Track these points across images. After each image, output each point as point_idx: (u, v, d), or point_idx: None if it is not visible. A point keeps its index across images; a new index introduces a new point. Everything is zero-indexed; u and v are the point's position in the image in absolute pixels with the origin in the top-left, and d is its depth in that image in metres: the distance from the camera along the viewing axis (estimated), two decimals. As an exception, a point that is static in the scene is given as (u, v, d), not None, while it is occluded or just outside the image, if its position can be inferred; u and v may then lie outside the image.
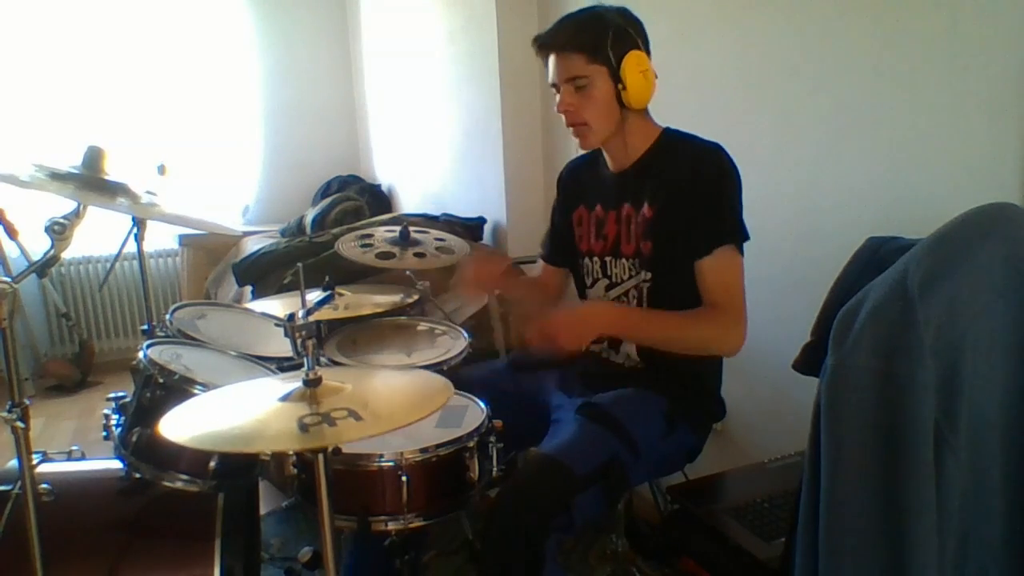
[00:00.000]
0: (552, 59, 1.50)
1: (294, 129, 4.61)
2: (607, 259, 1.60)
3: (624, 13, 1.50)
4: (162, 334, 1.67)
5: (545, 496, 1.27)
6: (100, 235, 3.59)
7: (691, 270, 1.46)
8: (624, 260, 1.57)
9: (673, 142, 1.54)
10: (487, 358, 1.94)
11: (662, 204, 1.49)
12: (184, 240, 4.05)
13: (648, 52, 1.50)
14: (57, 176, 1.44)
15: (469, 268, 1.72)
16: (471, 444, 1.34)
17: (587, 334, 1.40)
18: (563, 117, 1.51)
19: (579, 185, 1.70)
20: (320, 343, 1.73)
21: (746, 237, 1.46)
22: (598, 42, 1.44)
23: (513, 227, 2.90)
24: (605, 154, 1.62)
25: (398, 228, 2.11)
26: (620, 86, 1.46)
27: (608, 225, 1.59)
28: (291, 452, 1.34)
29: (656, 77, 1.51)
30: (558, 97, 1.51)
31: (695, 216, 1.44)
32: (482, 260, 1.73)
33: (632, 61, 1.45)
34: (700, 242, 1.44)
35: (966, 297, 0.91)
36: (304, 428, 0.98)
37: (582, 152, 1.71)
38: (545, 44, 1.50)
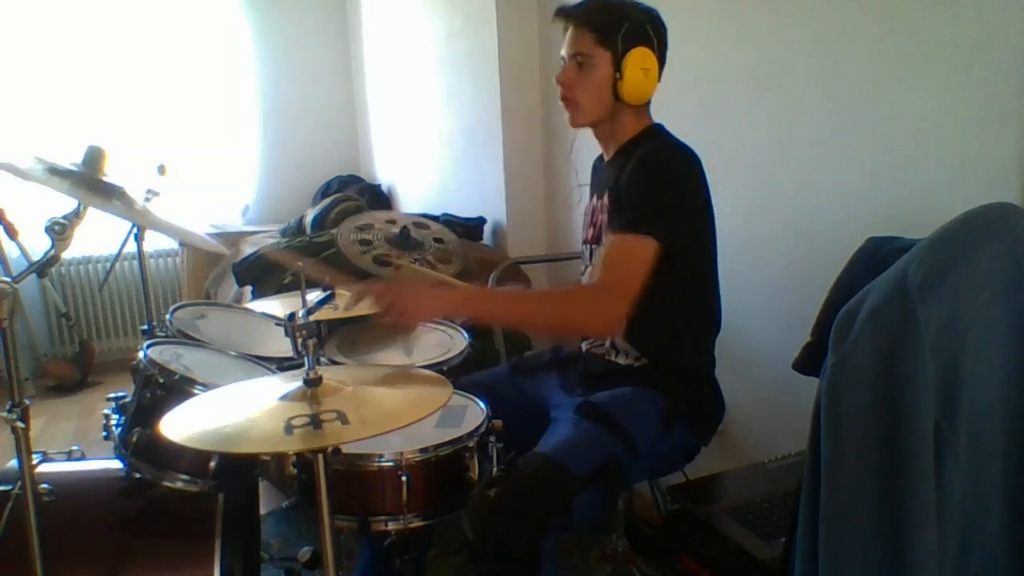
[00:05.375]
0: (569, 31, 1.52)
1: (294, 129, 4.61)
2: (592, 247, 1.63)
3: (651, 12, 1.51)
4: (162, 334, 1.67)
5: (544, 496, 1.27)
6: (100, 235, 3.59)
7: None
8: (598, 247, 1.60)
9: (647, 136, 1.55)
10: (487, 359, 1.94)
11: (614, 193, 1.51)
12: (184, 240, 4.04)
13: (661, 55, 1.51)
14: (56, 171, 1.44)
15: None
16: (471, 444, 1.34)
17: (428, 312, 1.38)
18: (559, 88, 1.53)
19: (593, 175, 1.73)
20: (320, 343, 1.73)
21: (661, 238, 1.39)
22: (611, 27, 1.46)
23: (513, 227, 2.90)
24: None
25: (398, 224, 2.11)
26: (617, 76, 1.47)
27: (596, 214, 1.63)
28: (291, 452, 1.34)
29: (659, 80, 1.51)
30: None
31: (618, 201, 1.47)
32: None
33: (637, 56, 1.46)
34: (613, 219, 1.47)
35: (966, 297, 0.91)
36: (289, 430, 0.98)
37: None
38: (564, 13, 1.52)
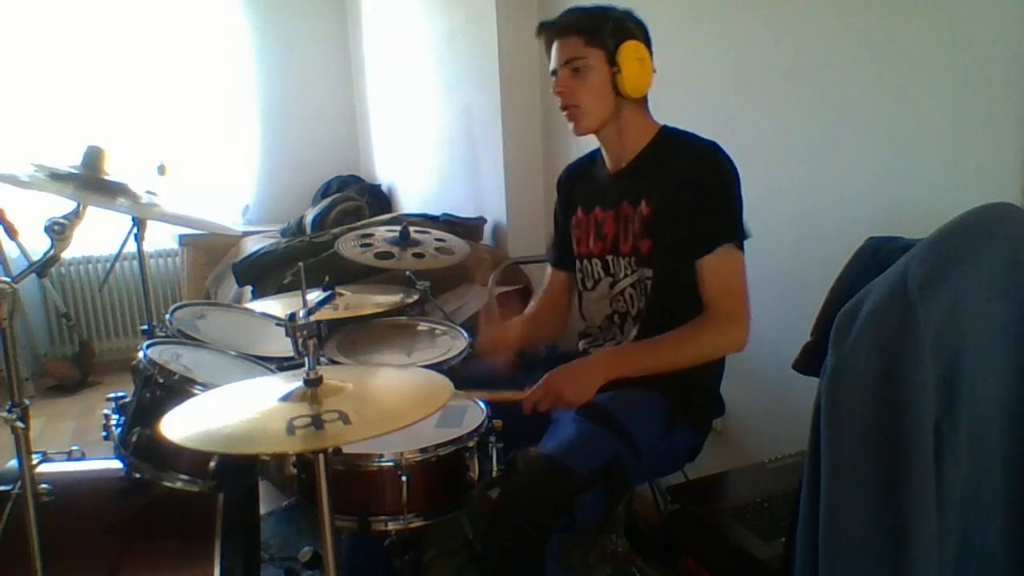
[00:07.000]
0: (554, 45, 1.53)
1: (294, 129, 4.61)
2: (608, 258, 1.60)
3: (629, 12, 1.53)
4: (162, 334, 1.67)
5: (547, 496, 1.27)
6: (100, 235, 3.59)
7: (692, 267, 1.46)
8: (622, 258, 1.57)
9: (671, 140, 1.55)
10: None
11: (659, 202, 1.49)
12: (184, 240, 4.05)
13: (649, 48, 1.52)
14: (57, 176, 1.44)
15: (485, 339, 1.72)
16: (471, 444, 1.34)
17: (591, 385, 1.41)
18: (558, 101, 1.53)
19: (576, 188, 1.71)
20: (320, 343, 1.73)
21: (746, 235, 1.47)
22: (597, 27, 1.48)
23: (513, 227, 2.90)
24: (603, 153, 1.63)
25: (398, 228, 2.11)
26: (615, 70, 1.47)
27: (607, 225, 1.59)
28: (292, 453, 1.34)
29: (655, 71, 1.52)
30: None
31: (694, 215, 1.45)
32: (494, 332, 1.73)
33: (629, 48, 1.47)
34: (700, 241, 1.45)
35: (966, 297, 0.91)
36: (291, 430, 0.99)
37: (581, 155, 1.71)
38: (547, 27, 1.54)
